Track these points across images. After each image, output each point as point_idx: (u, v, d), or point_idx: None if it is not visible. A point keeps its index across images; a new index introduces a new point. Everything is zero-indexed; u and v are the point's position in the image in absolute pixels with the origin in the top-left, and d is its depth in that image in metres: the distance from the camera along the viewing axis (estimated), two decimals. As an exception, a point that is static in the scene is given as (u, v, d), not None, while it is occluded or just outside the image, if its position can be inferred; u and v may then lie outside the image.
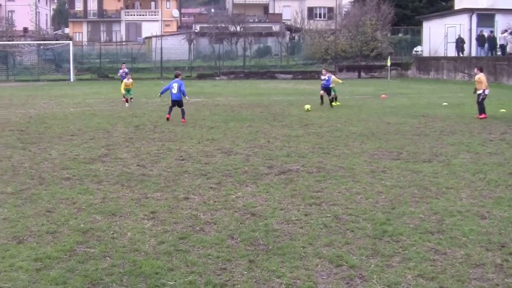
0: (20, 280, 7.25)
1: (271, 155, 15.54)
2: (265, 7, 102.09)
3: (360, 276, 7.39)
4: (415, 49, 68.41)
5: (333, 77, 30.20)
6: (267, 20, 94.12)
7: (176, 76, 23.69)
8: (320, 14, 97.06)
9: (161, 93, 24.20)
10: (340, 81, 32.64)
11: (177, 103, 23.10)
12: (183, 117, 22.81)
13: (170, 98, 23.22)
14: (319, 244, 8.52)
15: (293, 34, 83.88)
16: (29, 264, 7.77)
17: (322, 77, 28.94)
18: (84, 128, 20.98)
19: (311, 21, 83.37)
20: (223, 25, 79.16)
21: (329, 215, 9.97)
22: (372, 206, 10.53)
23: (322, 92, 29.32)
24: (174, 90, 22.84)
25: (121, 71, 36.20)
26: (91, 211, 10.25)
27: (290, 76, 62.16)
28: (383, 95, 36.01)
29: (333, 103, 28.89)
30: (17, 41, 74.60)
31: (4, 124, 22.21)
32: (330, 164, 14.41)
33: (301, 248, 8.33)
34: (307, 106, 27.00)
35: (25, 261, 7.88)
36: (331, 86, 29.07)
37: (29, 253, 8.16)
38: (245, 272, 7.50)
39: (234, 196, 11.26)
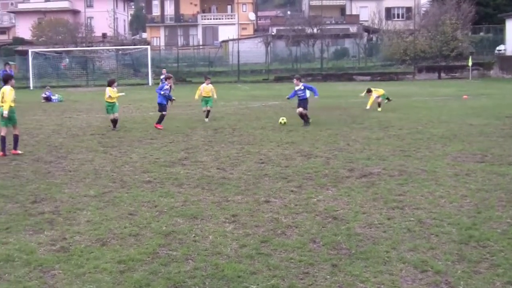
0: (104, 282, 7.33)
1: (351, 158, 15.37)
2: (342, 9, 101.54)
3: (446, 282, 7.19)
4: (497, 48, 66.86)
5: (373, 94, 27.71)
6: (344, 22, 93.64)
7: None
8: (398, 15, 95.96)
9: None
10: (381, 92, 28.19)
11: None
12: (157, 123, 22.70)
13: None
14: (403, 248, 8.35)
15: (371, 35, 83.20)
16: (112, 266, 7.85)
17: (296, 88, 23.52)
18: (164, 132, 21.20)
19: (389, 22, 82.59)
20: (300, 27, 79.14)
21: (412, 219, 9.76)
22: (456, 210, 10.27)
23: (300, 110, 23.16)
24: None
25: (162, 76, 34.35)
26: (173, 214, 10.32)
27: (368, 77, 61.62)
28: (464, 96, 35.29)
29: (381, 106, 27.40)
30: (96, 46, 76.19)
31: (85, 129, 22.67)
32: (412, 167, 14.15)
33: (385, 253, 8.17)
34: (283, 120, 23.51)
35: (109, 263, 7.96)
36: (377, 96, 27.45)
37: (113, 255, 8.25)
38: (328, 277, 7.41)
39: (315, 200, 11.16)
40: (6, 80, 17.68)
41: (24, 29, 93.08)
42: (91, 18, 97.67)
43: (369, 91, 27.77)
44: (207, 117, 24.68)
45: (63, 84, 60.72)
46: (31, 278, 7.52)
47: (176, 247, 8.54)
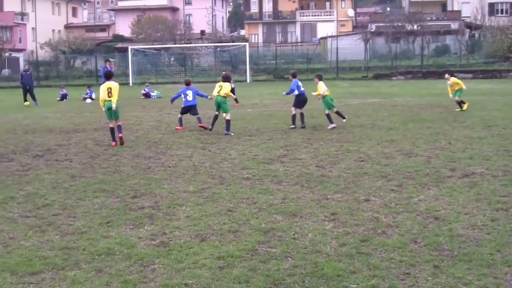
0: (203, 277, 7.36)
1: (453, 157, 14.97)
2: (443, 4, 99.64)
3: (557, 287, 6.89)
4: None
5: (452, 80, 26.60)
6: (445, 18, 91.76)
7: (187, 84, 22.51)
8: (502, 10, 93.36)
9: (173, 99, 23.18)
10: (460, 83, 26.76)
11: (191, 109, 22.08)
12: (200, 123, 21.53)
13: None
14: (508, 251, 8.03)
15: (473, 32, 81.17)
16: (212, 262, 7.87)
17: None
18: (262, 129, 21.24)
19: (492, 18, 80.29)
20: (400, 24, 78.00)
21: (518, 221, 9.42)
22: None
23: (294, 109, 21.96)
24: (189, 97, 21.91)
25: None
26: (272, 211, 10.28)
27: (470, 75, 59.97)
28: None
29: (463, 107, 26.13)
30: (195, 43, 77.21)
31: (184, 125, 22.91)
32: (517, 167, 13.68)
33: (489, 255, 7.88)
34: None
35: (208, 258, 7.99)
36: (456, 90, 26.36)
37: (212, 251, 8.27)
38: (430, 278, 7.21)
39: (416, 199, 10.91)
40: (110, 76, 18.52)
41: (123, 27, 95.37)
42: (189, 15, 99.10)
43: (450, 74, 26.91)
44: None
45: (162, 81, 61.75)
46: (132, 272, 7.62)
47: (275, 245, 8.50)
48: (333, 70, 63.64)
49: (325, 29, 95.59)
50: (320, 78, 21.92)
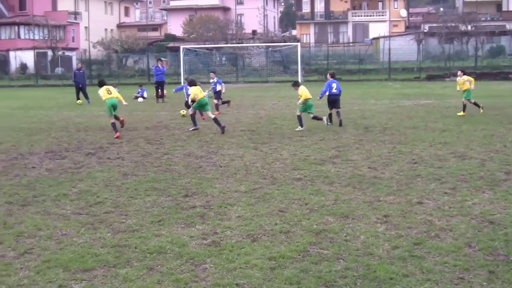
0: (255, 278, 7.35)
1: (508, 160, 14.68)
2: (498, 5, 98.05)
3: None
4: None
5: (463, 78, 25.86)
6: (500, 18, 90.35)
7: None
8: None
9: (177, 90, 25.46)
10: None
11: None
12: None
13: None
14: None
15: (529, 32, 79.71)
16: (263, 262, 7.85)
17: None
18: (314, 129, 21.12)
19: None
20: (453, 24, 76.96)
21: None
22: None
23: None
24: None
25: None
26: (323, 212, 10.21)
27: (525, 77, 58.99)
28: None
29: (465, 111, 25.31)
30: (246, 43, 77.26)
31: (235, 125, 22.96)
32: None
33: (546, 261, 7.72)
34: (182, 112, 25.60)
35: (259, 259, 7.97)
36: (464, 90, 25.72)
37: (263, 252, 8.25)
38: (485, 283, 7.09)
39: (470, 203, 10.72)
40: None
41: (175, 26, 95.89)
42: (241, 15, 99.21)
43: (463, 72, 26.54)
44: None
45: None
46: (183, 271, 7.64)
47: (327, 246, 8.44)
48: (385, 71, 63.03)
49: (377, 29, 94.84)
50: (298, 85, 22.52)
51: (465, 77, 25.76)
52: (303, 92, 21.54)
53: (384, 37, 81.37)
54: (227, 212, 10.39)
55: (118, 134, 20.24)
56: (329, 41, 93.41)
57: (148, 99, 38.57)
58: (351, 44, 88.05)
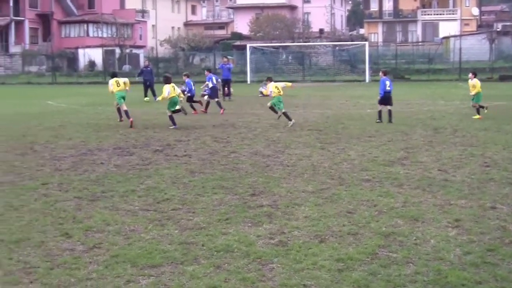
0: (322, 279, 7.25)
1: None
2: None
3: None
4: None
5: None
6: None
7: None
8: None
9: None
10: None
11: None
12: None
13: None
14: None
15: None
16: (331, 264, 7.74)
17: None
18: (382, 130, 20.84)
19: None
20: (528, 23, 75.34)
21: None
22: None
23: (380, 106, 23.57)
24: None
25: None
26: (392, 214, 10.03)
27: None
28: None
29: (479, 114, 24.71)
30: (313, 42, 76.99)
31: (302, 124, 22.83)
32: None
33: None
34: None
35: (327, 260, 7.87)
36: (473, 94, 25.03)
37: (331, 253, 8.14)
38: (562, 293, 6.83)
39: (547, 209, 10.39)
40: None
41: (242, 25, 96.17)
42: (308, 13, 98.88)
43: (474, 74, 25.99)
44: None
45: (280, 79, 61.95)
46: (250, 270, 7.59)
47: (396, 249, 8.27)
48: (456, 71, 61.88)
49: (447, 28, 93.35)
50: (271, 80, 23.64)
51: (475, 81, 25.22)
52: (268, 87, 23.35)
53: (454, 36, 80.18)
54: (295, 212, 10.29)
55: (131, 120, 22.83)
56: (398, 40, 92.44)
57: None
58: (420, 43, 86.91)
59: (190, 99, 28.17)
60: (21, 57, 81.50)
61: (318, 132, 20.57)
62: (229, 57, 45.02)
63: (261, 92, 40.29)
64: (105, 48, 76.14)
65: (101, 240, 8.88)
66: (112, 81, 24.32)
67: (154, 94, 37.00)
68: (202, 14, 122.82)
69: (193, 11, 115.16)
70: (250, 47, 62.51)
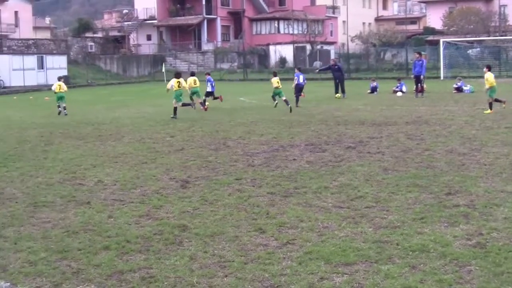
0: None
1: None
2: None
3: None
4: None
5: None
6: None
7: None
8: None
9: None
10: None
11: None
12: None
13: None
14: None
15: None
16: None
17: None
18: None
19: None
20: None
21: None
22: None
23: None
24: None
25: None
26: None
27: None
28: None
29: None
30: (511, 36, 73.77)
31: (499, 121, 21.95)
32: None
33: None
34: None
35: None
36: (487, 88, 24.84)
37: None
38: None
39: None
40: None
41: (434, 19, 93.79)
42: (504, 6, 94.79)
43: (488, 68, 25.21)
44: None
45: (474, 75, 60.01)
46: (447, 271, 7.43)
47: None
48: None
49: None
50: (275, 75, 30.30)
51: (488, 74, 24.86)
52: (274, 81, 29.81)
53: None
54: (493, 212, 9.93)
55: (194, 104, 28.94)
56: None
57: (407, 93, 38.17)
58: None
59: (209, 94, 32.47)
60: (213, 55, 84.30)
61: (513, 130, 19.71)
62: (422, 52, 44.14)
63: (456, 88, 39.34)
64: (296, 45, 77.19)
65: (295, 236, 9.02)
66: (174, 81, 27.00)
67: (343, 91, 37.13)
68: (394, 9, 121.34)
69: (384, 6, 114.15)
70: (443, 42, 60.91)
